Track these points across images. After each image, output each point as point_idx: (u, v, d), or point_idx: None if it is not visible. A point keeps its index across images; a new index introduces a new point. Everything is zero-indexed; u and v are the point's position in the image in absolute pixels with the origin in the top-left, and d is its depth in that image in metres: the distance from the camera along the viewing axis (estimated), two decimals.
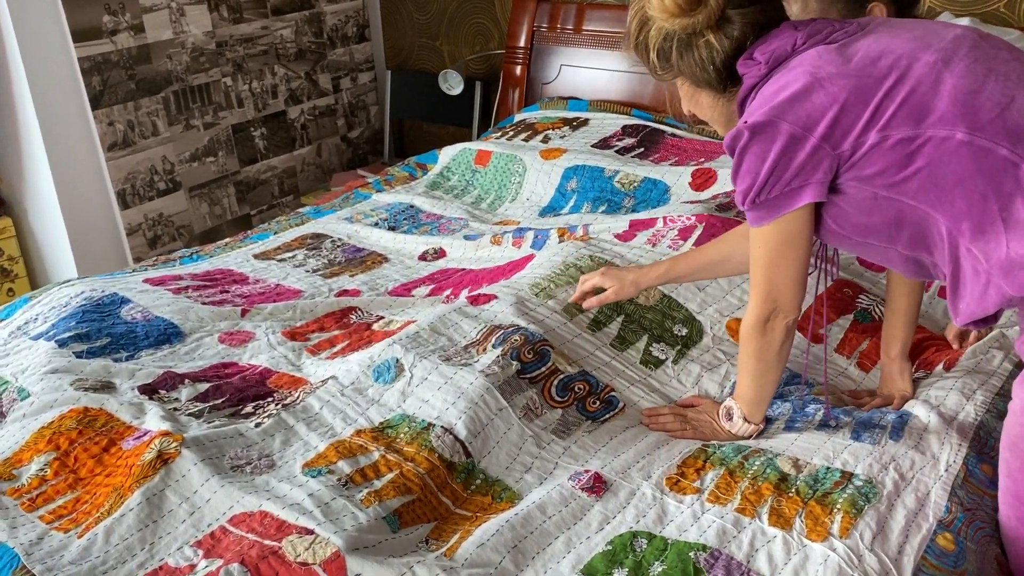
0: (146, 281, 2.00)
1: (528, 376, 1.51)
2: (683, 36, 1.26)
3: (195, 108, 3.04)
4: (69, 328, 1.73)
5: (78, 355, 1.65)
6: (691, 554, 1.16)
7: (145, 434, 1.38)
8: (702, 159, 2.46)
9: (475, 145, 2.72)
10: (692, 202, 2.20)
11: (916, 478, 1.31)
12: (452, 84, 3.20)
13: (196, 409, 1.50)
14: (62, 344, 1.68)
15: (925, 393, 1.56)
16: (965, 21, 1.80)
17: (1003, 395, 1.54)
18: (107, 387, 1.55)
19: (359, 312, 1.90)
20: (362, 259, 2.22)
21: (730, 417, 1.48)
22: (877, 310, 1.80)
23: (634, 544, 1.19)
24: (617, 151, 2.54)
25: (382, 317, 1.87)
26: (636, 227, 1.96)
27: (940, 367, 1.67)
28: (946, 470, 1.33)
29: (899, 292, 1.55)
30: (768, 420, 1.50)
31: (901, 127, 1.14)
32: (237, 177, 3.24)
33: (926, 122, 1.13)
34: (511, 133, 2.79)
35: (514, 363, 1.51)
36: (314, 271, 2.15)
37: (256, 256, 2.25)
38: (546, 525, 1.22)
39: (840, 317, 1.79)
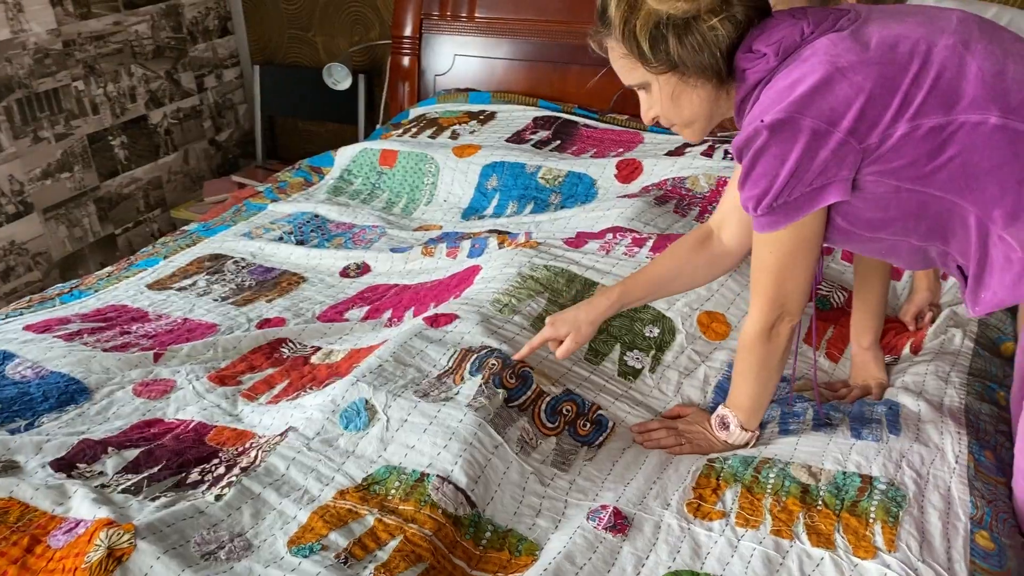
0: (27, 329, 1.69)
1: (516, 404, 1.37)
2: (680, 21, 1.15)
3: (43, 118, 2.65)
4: None
5: None
6: None
7: (77, 524, 1.14)
8: (621, 149, 2.38)
9: (377, 144, 2.51)
10: (625, 196, 2.11)
11: (932, 473, 1.28)
12: (338, 79, 2.97)
13: (130, 483, 1.26)
14: None
15: (901, 379, 1.54)
16: (948, 3, 1.79)
17: (974, 374, 1.55)
18: (11, 468, 1.28)
19: (290, 344, 1.69)
20: (275, 280, 1.99)
21: (726, 427, 1.41)
22: (836, 296, 1.78)
23: None
24: (533, 145, 2.42)
25: (319, 348, 1.67)
26: (585, 236, 1.84)
27: (907, 350, 1.66)
28: (957, 462, 1.30)
29: (869, 283, 1.52)
30: (760, 425, 1.44)
31: (932, 114, 1.08)
32: (97, 193, 2.87)
33: (957, 107, 1.07)
34: (413, 130, 2.61)
35: (500, 391, 1.36)
36: (223, 299, 1.91)
37: (150, 286, 1.97)
38: None
39: None
